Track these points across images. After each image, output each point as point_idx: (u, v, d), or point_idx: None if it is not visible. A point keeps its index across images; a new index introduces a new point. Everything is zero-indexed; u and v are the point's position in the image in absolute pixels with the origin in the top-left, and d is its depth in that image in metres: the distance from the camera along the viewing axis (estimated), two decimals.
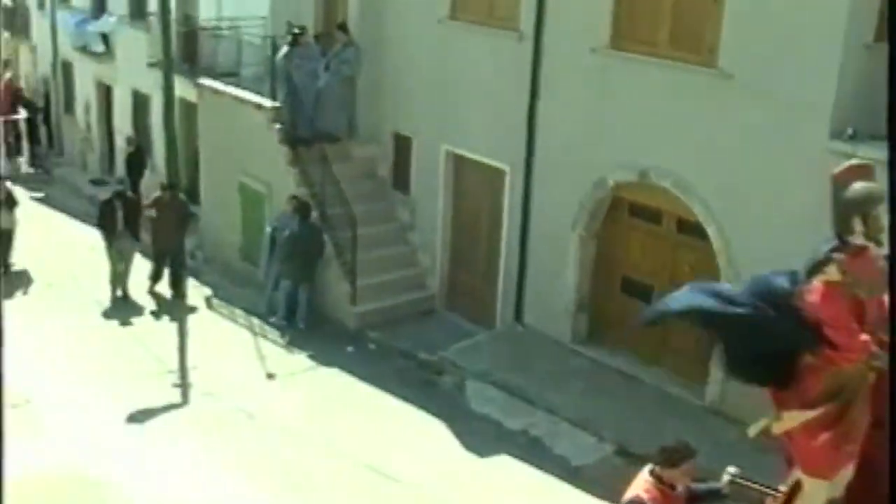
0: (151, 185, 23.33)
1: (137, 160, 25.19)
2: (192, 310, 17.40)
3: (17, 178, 21.24)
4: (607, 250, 14.88)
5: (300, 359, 15.87)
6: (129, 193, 19.22)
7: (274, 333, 16.73)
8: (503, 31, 15.38)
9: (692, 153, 12.97)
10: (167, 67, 15.85)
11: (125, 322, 17.48)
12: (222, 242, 19.84)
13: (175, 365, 15.02)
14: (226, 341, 16.50)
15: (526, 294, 15.66)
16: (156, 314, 17.87)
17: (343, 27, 17.80)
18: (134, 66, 25.75)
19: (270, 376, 15.29)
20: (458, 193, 16.92)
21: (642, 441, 12.50)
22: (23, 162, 21.39)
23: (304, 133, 17.68)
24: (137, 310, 18.04)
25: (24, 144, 21.56)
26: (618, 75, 13.84)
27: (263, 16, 19.72)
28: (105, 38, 28.46)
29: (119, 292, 18.49)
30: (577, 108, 14.38)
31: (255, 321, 17.19)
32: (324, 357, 15.75)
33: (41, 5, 34.40)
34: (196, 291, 18.24)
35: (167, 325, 16.97)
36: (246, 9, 19.88)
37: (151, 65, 22.78)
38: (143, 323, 17.50)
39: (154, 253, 18.79)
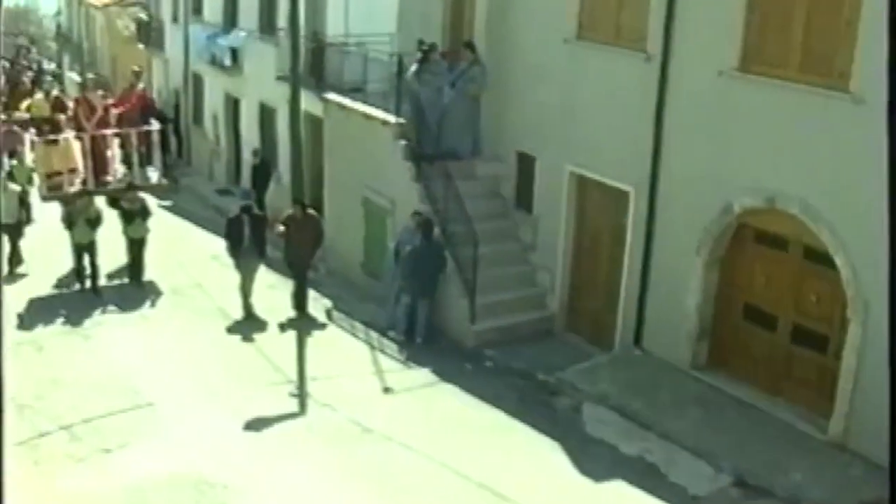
0: (276, 198, 23.73)
1: (263, 172, 25.63)
2: (321, 327, 17.71)
3: (148, 188, 21.47)
4: (731, 276, 14.64)
5: (417, 374, 15.91)
6: (256, 210, 19.39)
7: (392, 348, 16.83)
8: (630, 51, 15.27)
9: (821, 179, 12.66)
10: (295, 81, 16.10)
11: (249, 332, 17.74)
12: (344, 256, 20.06)
13: (294, 375, 15.19)
14: (344, 354, 16.64)
15: (646, 318, 15.49)
16: (282, 327, 17.91)
17: (470, 45, 17.90)
18: (262, 79, 26.23)
19: (387, 391, 15.37)
20: (581, 214, 16.83)
21: (761, 473, 12.29)
22: (155, 173, 21.48)
23: (428, 150, 17.80)
24: (261, 323, 18.17)
25: (157, 155, 21.61)
26: (745, 98, 13.62)
27: (390, 32, 19.89)
28: (235, 52, 29.05)
29: (251, 309, 18.59)
30: (703, 131, 14.19)
31: (374, 335, 17.33)
32: (441, 374, 15.77)
33: (175, 19, 35.29)
34: (317, 304, 18.52)
35: (288, 336, 17.17)
36: (373, 26, 20.08)
37: (279, 79, 23.18)
38: (266, 334, 17.72)
39: (290, 270, 18.74)
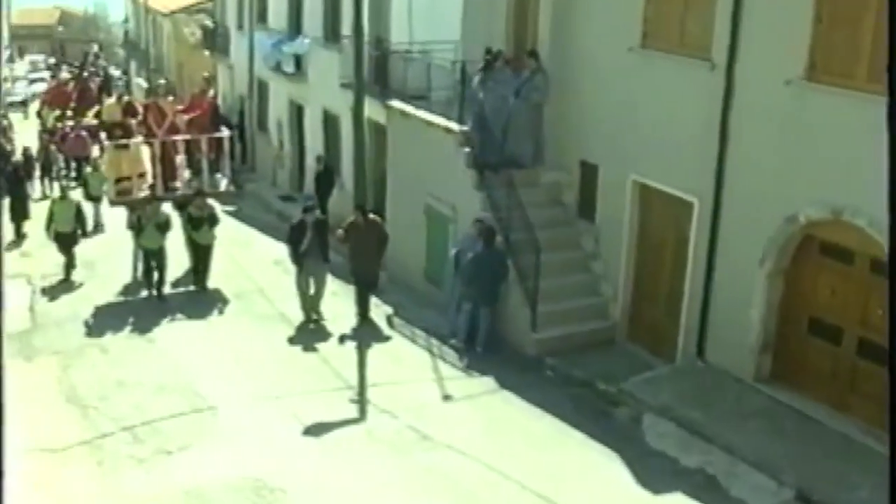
0: (339, 204, 23.85)
1: (326, 179, 25.80)
2: (384, 338, 17.70)
3: (216, 195, 21.56)
4: (795, 289, 14.45)
5: (477, 382, 15.89)
6: (320, 216, 19.39)
7: (452, 355, 16.82)
8: (695, 60, 15.14)
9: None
10: (359, 89, 16.16)
11: (310, 338, 17.81)
12: (406, 262, 20.09)
13: (354, 381, 15.23)
14: (405, 361, 16.66)
15: (709, 329, 15.33)
16: (342, 339, 17.81)
17: (534, 53, 17.86)
18: (326, 86, 26.39)
19: (447, 398, 15.36)
20: (644, 224, 16.72)
21: (824, 489, 12.10)
22: (223, 180, 21.71)
23: (491, 158, 17.79)
24: (323, 329, 18.22)
25: (226, 162, 21.86)
26: (812, 108, 13.43)
27: (454, 40, 19.91)
28: (299, 58, 29.26)
29: (312, 315, 18.52)
30: (769, 141, 14.03)
31: (435, 342, 17.33)
32: (501, 382, 15.72)
33: (240, 26, 35.63)
34: (378, 310, 18.56)
35: (349, 342, 17.30)
36: (437, 33, 20.12)
37: (343, 86, 23.30)
38: (328, 341, 17.77)
39: (354, 277, 18.65)
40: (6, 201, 27.80)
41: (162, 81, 23.78)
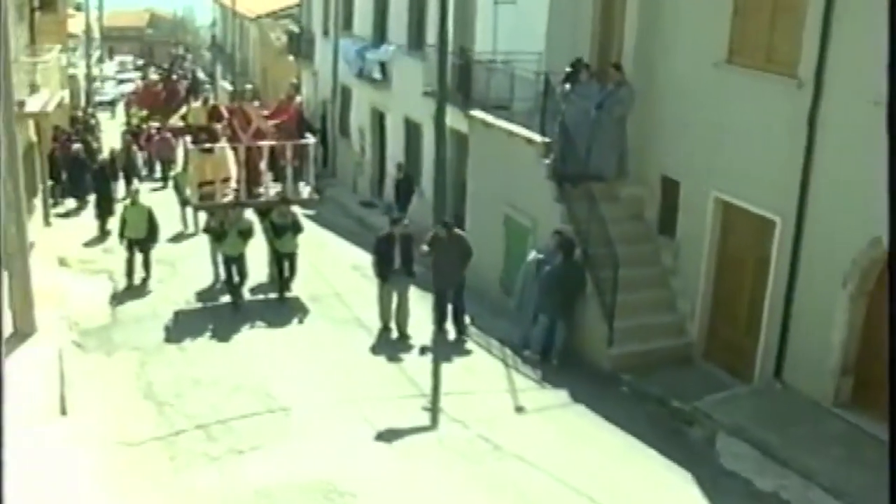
0: (419, 212, 23.90)
1: (406, 186, 25.90)
2: (464, 352, 17.59)
3: (300, 202, 21.46)
4: (879, 312, 14.14)
5: (551, 395, 15.82)
6: (406, 228, 18.82)
7: (527, 367, 16.76)
8: (781, 77, 14.94)
9: None
10: (441, 97, 16.11)
11: (386, 345, 17.85)
12: (483, 272, 20.04)
13: (427, 389, 15.22)
14: (479, 370, 16.63)
15: (788, 350, 15.10)
16: (423, 350, 17.35)
17: (618, 67, 17.77)
18: (408, 94, 26.49)
19: (520, 410, 15.30)
20: (725, 241, 16.53)
21: None
22: (307, 188, 21.35)
23: (572, 170, 17.73)
24: (407, 344, 18.00)
25: (311, 169, 21.51)
26: None
27: (538, 51, 19.87)
28: (383, 66, 29.40)
29: (393, 328, 18.31)
30: (855, 161, 13.77)
31: (509, 353, 17.28)
32: (575, 395, 15.64)
33: (326, 32, 35.92)
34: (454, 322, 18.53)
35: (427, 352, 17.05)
36: (521, 44, 20.11)
37: (425, 94, 23.38)
38: (403, 348, 17.82)
39: (435, 292, 17.48)
40: (92, 198, 28.35)
41: (248, 86, 23.65)
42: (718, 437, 14.09)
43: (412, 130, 27.83)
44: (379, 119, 31.03)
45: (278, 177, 21.00)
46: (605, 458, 13.72)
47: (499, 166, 19.97)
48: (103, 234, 26.34)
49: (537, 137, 18.40)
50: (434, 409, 14.66)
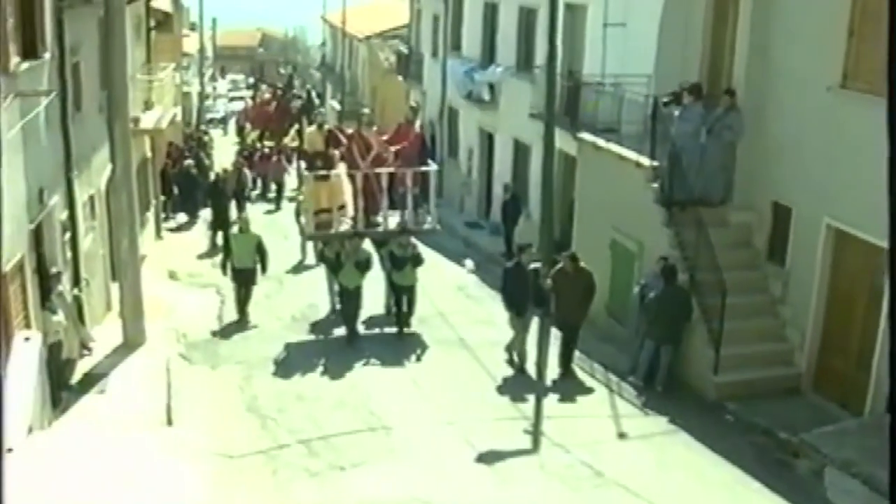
0: (526, 234, 23.82)
1: (513, 208, 25.84)
2: (571, 377, 17.12)
3: (421, 233, 20.49)
4: None
5: (655, 422, 15.59)
6: (533, 256, 17.39)
7: (630, 393, 16.57)
8: None
9: None
10: (550, 119, 16.05)
11: (491, 367, 17.81)
12: None
13: (530, 412, 15.12)
14: (582, 395, 16.46)
15: None
16: (547, 390, 15.96)
17: (731, 92, 17.52)
18: (516, 115, 26.48)
19: (622, 436, 15.11)
20: (836, 270, 16.14)
21: None
22: (428, 217, 20.44)
23: (681, 195, 17.49)
24: (527, 381, 16.72)
25: (432, 198, 20.55)
26: None
27: (647, 74, 19.72)
28: (491, 87, 29.43)
29: (516, 360, 17.62)
30: None
31: (613, 378, 17.10)
32: (679, 423, 15.39)
33: (434, 53, 36.12)
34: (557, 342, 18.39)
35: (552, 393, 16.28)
36: (630, 67, 19.96)
37: (533, 116, 23.33)
38: (509, 371, 17.73)
39: (558, 327, 17.07)
40: (203, 212, 28.84)
41: (366, 110, 23.02)
42: (826, 472, 13.73)
43: (520, 152, 27.81)
44: (487, 140, 31.06)
45: (396, 205, 20.00)
46: (708, 489, 13.47)
47: (606, 189, 19.83)
48: (215, 247, 26.71)
49: (646, 161, 18.22)
50: (536, 433, 14.56)
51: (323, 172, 20.10)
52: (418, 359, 18.29)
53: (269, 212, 32.87)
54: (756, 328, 16.93)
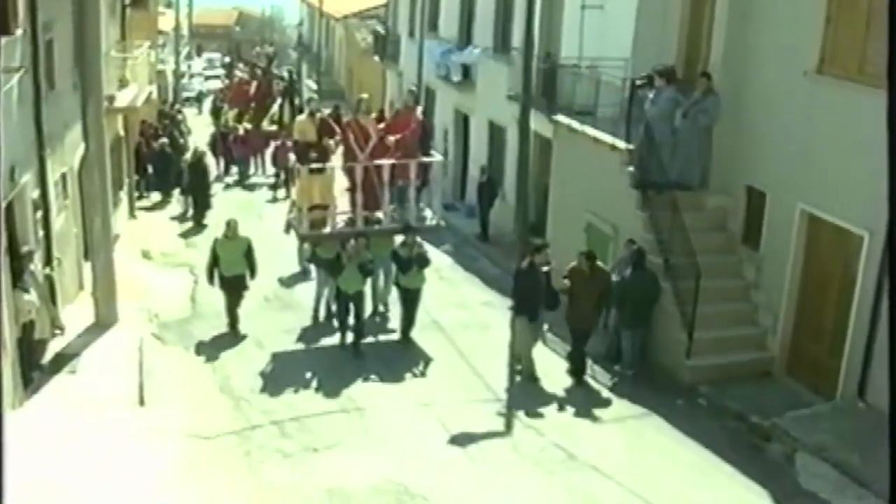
0: (501, 215, 23.79)
1: (489, 190, 25.83)
2: (606, 403, 15.90)
3: (425, 230, 18.95)
4: None
5: (627, 405, 15.63)
6: (548, 257, 16.38)
7: (604, 376, 16.59)
8: (874, 89, 14.57)
9: None
10: (525, 101, 16.01)
11: (463, 349, 17.82)
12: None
13: (503, 394, 15.14)
14: (554, 378, 16.47)
15: (872, 369, 14.74)
16: (564, 403, 15.85)
17: (708, 76, 17.51)
18: (493, 97, 26.44)
19: (595, 419, 15.16)
20: (810, 255, 16.20)
21: None
22: (432, 213, 19.22)
23: (656, 178, 17.49)
24: (541, 393, 16.13)
25: (437, 191, 19.38)
26: None
27: (625, 57, 19.69)
28: (467, 68, 29.38)
29: (519, 368, 16.00)
30: None
31: (586, 362, 17.09)
32: (651, 407, 15.44)
33: (411, 34, 36.02)
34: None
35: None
36: (607, 50, 19.93)
37: (510, 98, 23.29)
38: (480, 351, 17.73)
39: (571, 333, 16.70)
40: (178, 191, 28.66)
41: (364, 96, 20.77)
42: (798, 456, 13.81)
43: (496, 134, 27.77)
44: (463, 121, 31.01)
45: (395, 200, 18.68)
46: (681, 472, 13.54)
47: (582, 172, 19.82)
48: (199, 226, 26.91)
49: (621, 144, 18.22)
50: (509, 416, 14.59)
51: (316, 166, 18.41)
52: (422, 373, 16.88)
53: (273, 200, 31.11)
54: (729, 312, 16.98)
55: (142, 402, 14.94)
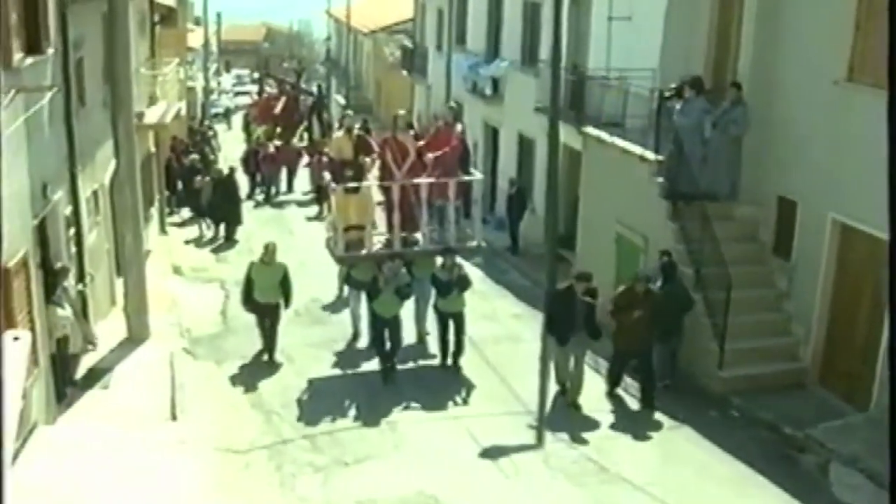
0: (531, 228, 23.74)
1: (518, 202, 25.86)
2: (658, 426, 15.36)
3: (466, 251, 18.32)
4: None
5: (659, 417, 15.55)
6: (593, 295, 15.72)
7: (635, 388, 16.51)
8: None
9: None
10: (554, 113, 15.97)
11: (493, 360, 17.79)
12: None
13: (534, 406, 15.09)
14: (586, 390, 16.39)
15: None
16: (613, 427, 15.44)
17: (738, 85, 17.43)
18: (521, 110, 26.45)
19: (627, 431, 15.08)
20: (842, 264, 16.08)
21: None
22: (473, 233, 18.54)
23: (686, 189, 17.41)
24: (587, 420, 15.67)
25: (477, 211, 18.74)
26: None
27: (652, 68, 19.66)
28: (496, 81, 29.42)
29: (564, 393, 16.04)
30: None
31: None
32: (683, 418, 15.36)
33: (439, 47, 36.09)
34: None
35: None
36: (635, 61, 19.89)
37: (538, 110, 23.28)
38: (509, 362, 17.71)
39: (614, 354, 16.30)
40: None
41: (402, 111, 20.56)
42: (832, 467, 13.70)
43: (525, 146, 27.78)
44: (492, 134, 31.02)
45: (434, 220, 18.12)
46: (713, 484, 13.44)
47: (611, 184, 19.77)
48: (230, 241, 27.21)
49: (651, 155, 18.17)
50: (540, 428, 14.53)
51: (353, 184, 17.68)
52: (464, 401, 16.30)
53: (312, 218, 30.69)
54: (761, 323, 16.88)
55: (173, 417, 15.00)
